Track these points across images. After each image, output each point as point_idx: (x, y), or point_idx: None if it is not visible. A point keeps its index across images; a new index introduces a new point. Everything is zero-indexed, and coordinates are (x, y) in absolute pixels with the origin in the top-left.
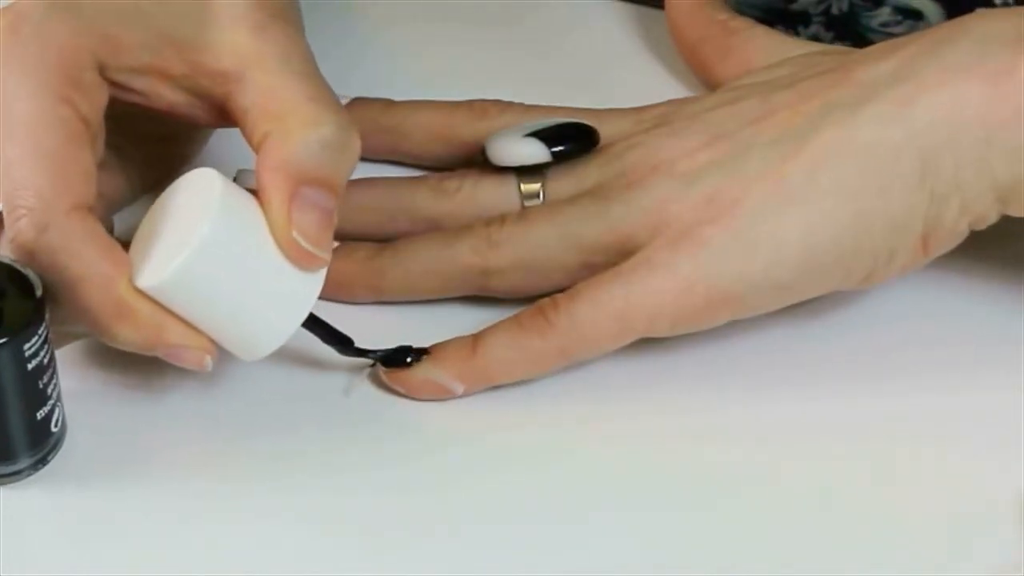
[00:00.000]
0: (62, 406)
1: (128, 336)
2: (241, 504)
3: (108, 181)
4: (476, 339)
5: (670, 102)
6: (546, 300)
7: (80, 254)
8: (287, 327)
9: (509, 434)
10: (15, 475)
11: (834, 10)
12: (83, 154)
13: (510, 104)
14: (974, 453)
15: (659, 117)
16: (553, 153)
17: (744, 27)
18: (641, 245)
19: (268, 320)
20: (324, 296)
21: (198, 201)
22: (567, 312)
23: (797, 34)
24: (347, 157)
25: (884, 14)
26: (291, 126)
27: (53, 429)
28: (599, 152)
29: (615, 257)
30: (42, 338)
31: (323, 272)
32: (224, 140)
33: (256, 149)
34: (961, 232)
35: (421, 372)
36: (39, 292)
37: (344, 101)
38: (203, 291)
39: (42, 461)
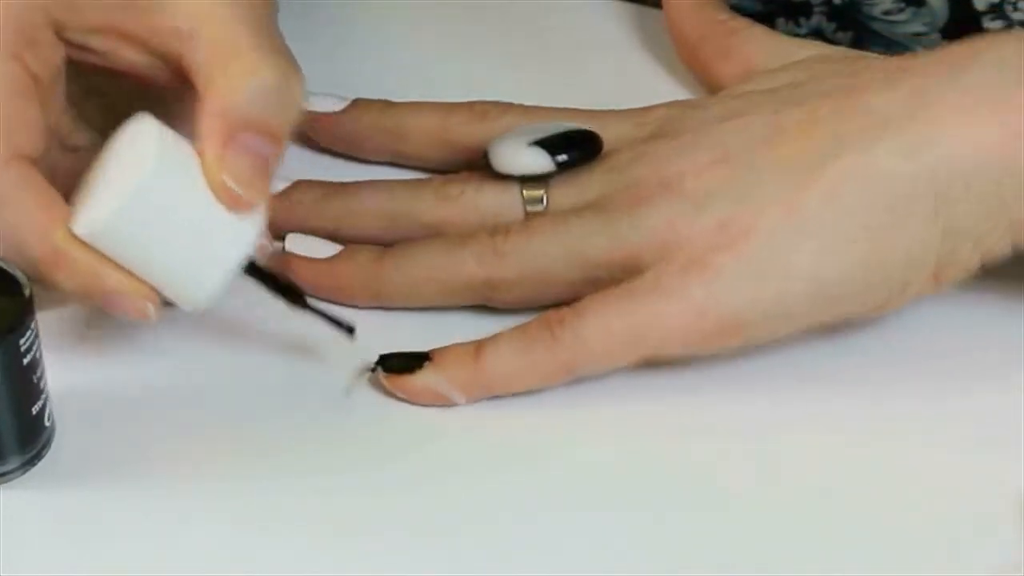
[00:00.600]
0: (51, 402)
1: (66, 283)
2: (236, 502)
3: (88, 160)
4: (479, 348)
5: (671, 105)
6: (552, 314)
7: (16, 202)
8: (223, 276)
9: (508, 434)
10: (9, 474)
11: (836, 0)
12: (28, 107)
13: (510, 105)
14: (974, 453)
15: (661, 121)
16: (557, 163)
17: (743, 27)
18: (648, 264)
19: (205, 267)
20: (324, 298)
21: (134, 149)
22: (573, 330)
23: (799, 25)
24: (288, 104)
25: (886, 2)
26: (232, 73)
27: (46, 424)
28: (603, 160)
29: (620, 273)
30: (34, 333)
31: (260, 220)
32: None
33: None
34: (973, 266)
35: (422, 379)
36: (28, 291)
37: (344, 103)
38: (137, 237)
39: (37, 457)
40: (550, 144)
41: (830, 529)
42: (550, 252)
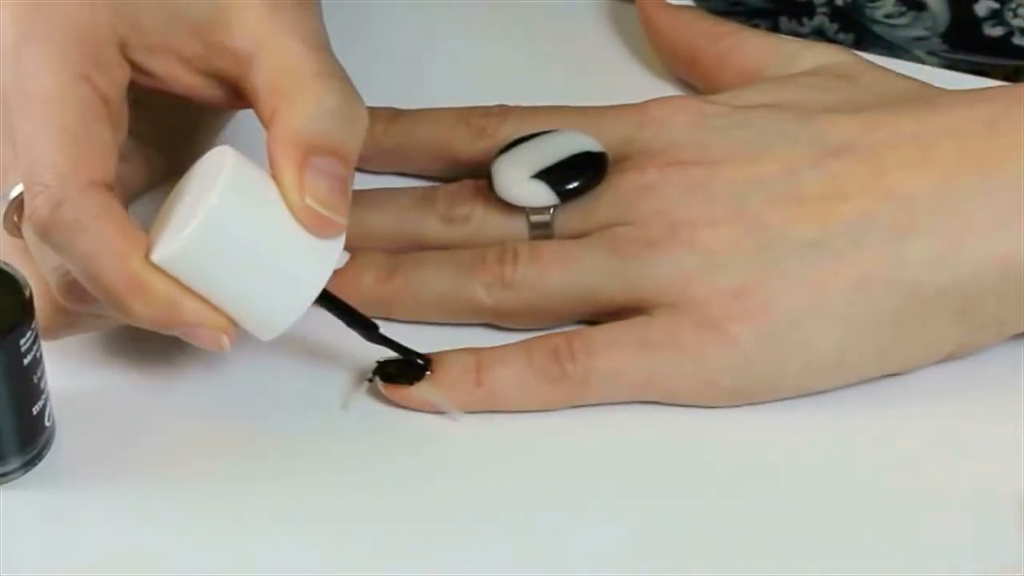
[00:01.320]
0: (51, 402)
1: (143, 312)
2: (235, 502)
3: (127, 170)
4: (481, 368)
5: (664, 104)
6: (562, 344)
7: (94, 229)
8: (302, 300)
9: (508, 433)
10: (10, 474)
11: (838, 1)
12: (102, 131)
13: (508, 111)
14: (974, 453)
15: (660, 127)
16: (560, 196)
17: (734, 30)
18: (657, 306)
19: (283, 294)
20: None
21: (210, 177)
22: (584, 368)
23: (802, 24)
24: (355, 127)
25: (887, 5)
26: (298, 100)
27: (46, 424)
28: (609, 180)
29: (627, 312)
30: (34, 333)
31: (338, 245)
32: (240, 131)
33: (266, 127)
34: (992, 344)
35: (420, 393)
36: (28, 292)
37: None
38: (215, 263)
39: (37, 457)
40: (553, 174)
41: (830, 529)
42: (558, 287)
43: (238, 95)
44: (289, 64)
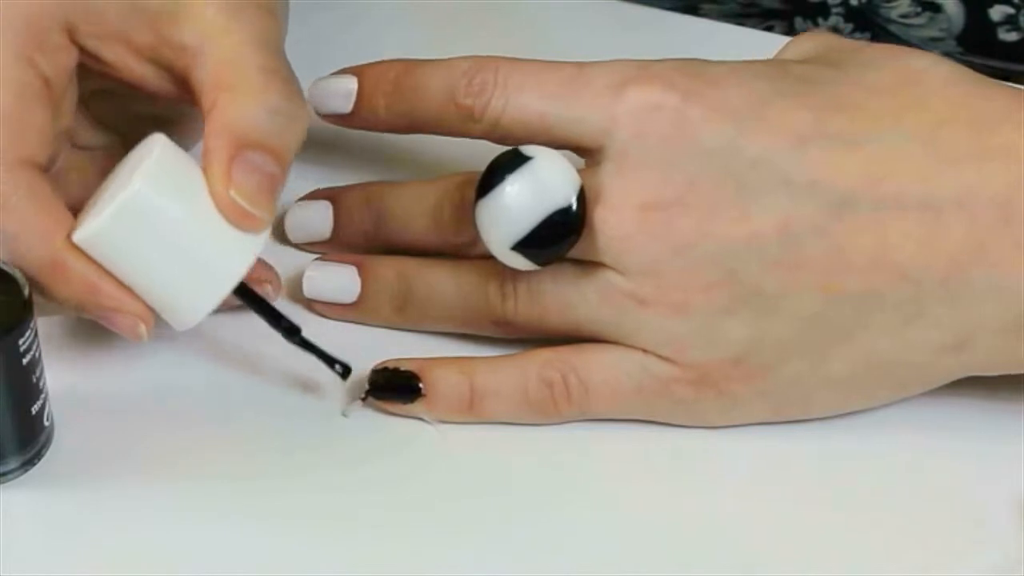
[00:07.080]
0: (50, 402)
1: (62, 293)
2: (234, 501)
3: (110, 160)
4: (474, 394)
5: (642, 92)
6: (556, 379)
7: (20, 208)
8: (218, 292)
9: (505, 430)
10: (9, 474)
11: (853, 2)
12: (38, 112)
13: (492, 88)
14: (974, 453)
15: (635, 133)
16: (540, 264)
17: None
18: (653, 352)
19: (199, 282)
20: (346, 319)
21: (138, 162)
22: (580, 406)
23: (817, 25)
24: (293, 127)
25: (903, 5)
26: (238, 94)
27: (45, 423)
28: (591, 225)
29: None
30: (33, 332)
31: (261, 241)
32: None
33: (205, 119)
34: None
35: (413, 412)
36: (27, 291)
37: (351, 99)
38: (133, 246)
39: (36, 457)
40: (531, 248)
41: (830, 529)
42: (558, 328)
43: (186, 88)
44: (234, 59)
